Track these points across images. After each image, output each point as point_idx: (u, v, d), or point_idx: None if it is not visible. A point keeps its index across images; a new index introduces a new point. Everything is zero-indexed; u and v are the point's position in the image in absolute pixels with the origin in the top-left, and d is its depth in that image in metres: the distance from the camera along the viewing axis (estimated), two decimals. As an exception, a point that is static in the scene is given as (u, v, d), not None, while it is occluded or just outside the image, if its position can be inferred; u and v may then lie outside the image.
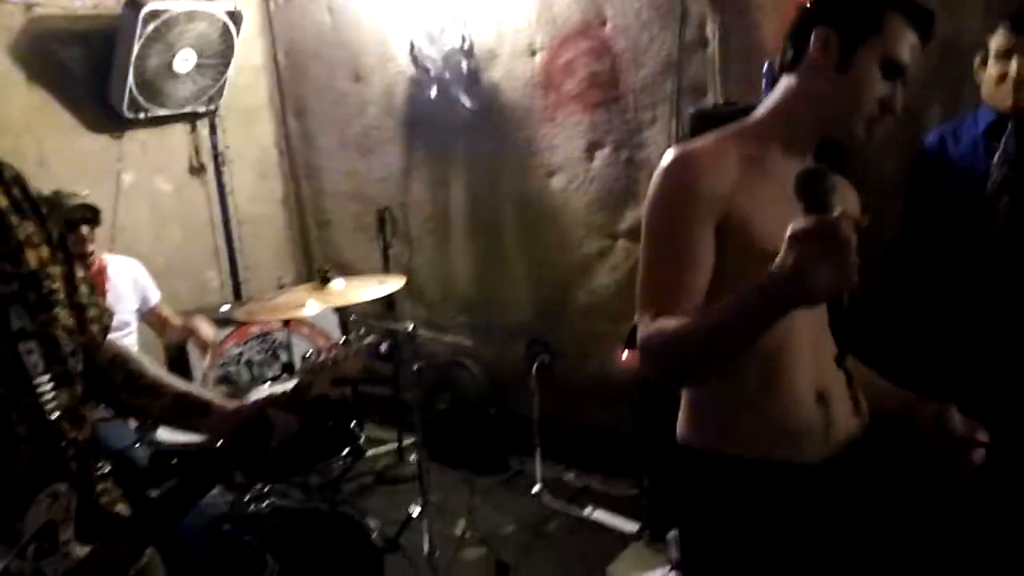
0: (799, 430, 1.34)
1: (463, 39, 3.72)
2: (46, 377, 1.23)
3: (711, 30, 3.11)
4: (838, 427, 1.37)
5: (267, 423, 1.36)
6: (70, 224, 3.10)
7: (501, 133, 3.77)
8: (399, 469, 3.95)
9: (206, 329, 3.30)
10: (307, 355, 1.47)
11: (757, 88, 2.68)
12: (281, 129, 4.68)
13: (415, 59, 3.82)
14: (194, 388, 1.48)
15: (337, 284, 2.64)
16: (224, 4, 3.90)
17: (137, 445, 2.67)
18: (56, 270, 1.30)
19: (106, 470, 1.36)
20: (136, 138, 4.09)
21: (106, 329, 1.43)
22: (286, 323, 3.46)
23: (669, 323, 1.22)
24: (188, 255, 4.36)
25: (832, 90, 1.31)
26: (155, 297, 3.46)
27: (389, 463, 4.02)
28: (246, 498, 2.50)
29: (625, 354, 2.81)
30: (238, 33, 4.00)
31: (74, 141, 3.87)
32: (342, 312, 3.95)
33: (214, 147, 4.35)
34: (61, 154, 3.78)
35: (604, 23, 3.40)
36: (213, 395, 1.45)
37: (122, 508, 1.37)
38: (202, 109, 4.20)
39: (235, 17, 3.96)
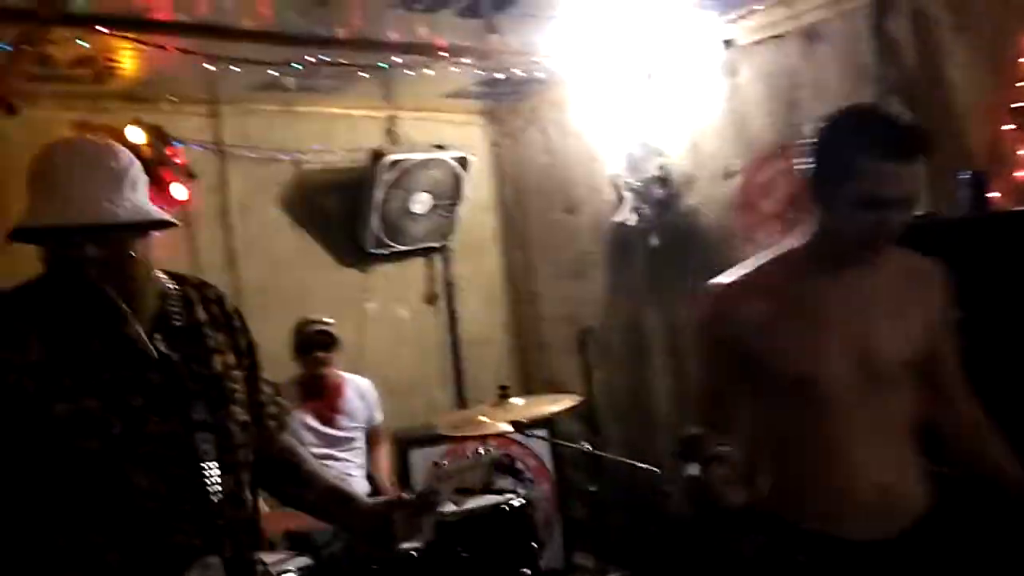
0: (852, 514, 1.48)
1: (660, 167, 3.83)
2: (215, 464, 1.45)
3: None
4: (895, 513, 1.51)
5: (390, 522, 1.52)
6: (308, 347, 3.59)
7: (701, 255, 3.75)
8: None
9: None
10: (437, 463, 1.61)
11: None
12: (505, 259, 5.05)
13: (617, 189, 3.99)
14: (343, 484, 1.66)
15: (516, 401, 2.75)
16: (454, 152, 4.40)
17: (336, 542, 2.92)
18: (239, 374, 1.55)
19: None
20: (380, 271, 4.63)
21: (283, 426, 1.66)
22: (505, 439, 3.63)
23: None
24: (421, 375, 4.75)
25: (829, 223, 1.48)
26: (379, 417, 3.82)
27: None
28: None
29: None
30: (467, 175, 4.46)
31: (329, 275, 4.48)
32: (552, 433, 4.04)
33: (446, 278, 4.80)
34: (318, 286, 4.38)
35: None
36: (356, 493, 1.63)
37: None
38: (436, 244, 4.68)
39: (464, 163, 4.43)
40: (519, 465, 4.15)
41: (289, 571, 2.59)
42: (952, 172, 2.53)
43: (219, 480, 1.44)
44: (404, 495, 1.64)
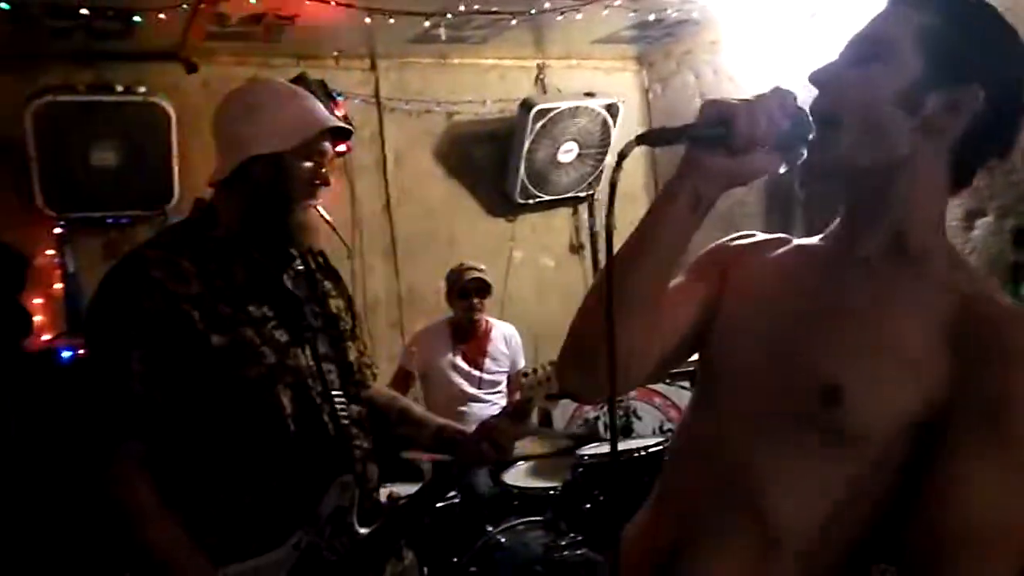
0: None
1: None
2: (341, 393, 1.57)
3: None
4: None
5: (495, 432, 1.62)
6: (464, 292, 3.71)
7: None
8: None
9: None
10: (526, 372, 1.68)
11: None
12: (655, 209, 4.95)
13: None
14: (449, 423, 1.76)
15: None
16: (603, 99, 4.34)
17: (482, 480, 3.05)
18: (347, 318, 1.69)
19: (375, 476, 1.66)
20: (526, 221, 4.69)
21: (374, 375, 1.77)
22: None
23: None
24: (565, 323, 4.72)
25: None
26: (521, 363, 3.90)
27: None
28: (562, 542, 2.67)
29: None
30: (615, 124, 4.40)
31: (477, 223, 4.59)
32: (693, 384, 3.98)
33: (591, 228, 4.78)
34: (467, 234, 4.51)
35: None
36: (461, 427, 1.73)
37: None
38: (582, 194, 4.67)
39: (612, 110, 4.37)
40: (661, 416, 4.13)
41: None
42: None
43: (346, 407, 1.56)
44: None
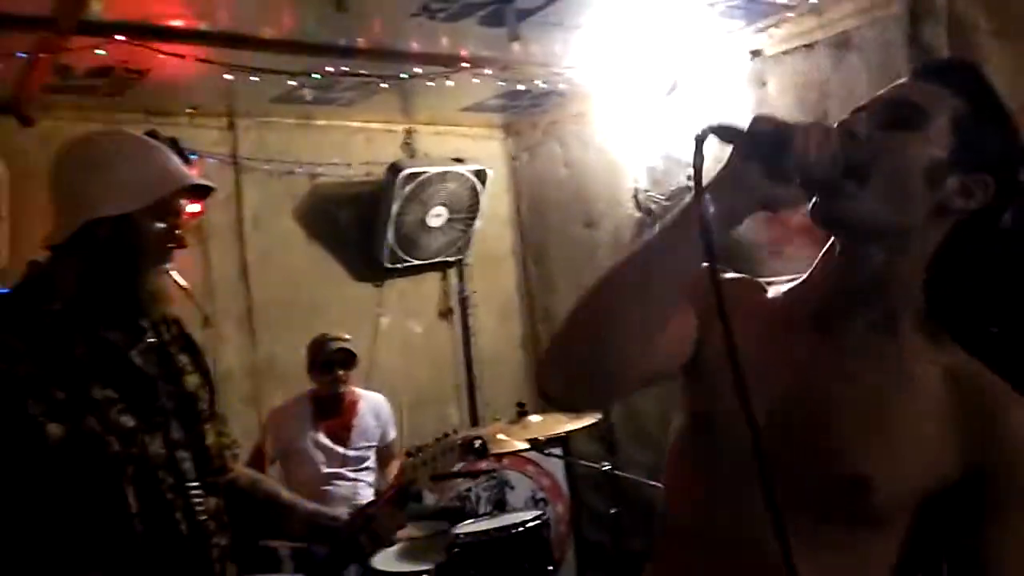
0: None
1: (688, 178, 3.75)
2: (197, 484, 1.39)
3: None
4: None
5: (372, 520, 1.53)
6: (328, 364, 3.51)
7: (727, 269, 3.67)
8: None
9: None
10: (410, 453, 1.58)
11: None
12: (522, 275, 4.97)
13: (638, 202, 3.92)
14: (320, 508, 1.63)
15: (534, 419, 2.67)
16: (472, 165, 4.34)
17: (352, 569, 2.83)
18: (204, 396, 1.52)
19: None
20: (394, 286, 4.57)
21: (236, 456, 1.63)
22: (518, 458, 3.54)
23: None
24: (433, 391, 4.67)
25: None
26: (392, 435, 3.73)
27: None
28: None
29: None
30: (484, 189, 4.40)
31: (342, 289, 4.42)
32: (566, 452, 3.96)
33: (461, 292, 4.73)
34: (331, 301, 4.32)
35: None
36: (336, 514, 1.60)
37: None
38: (452, 259, 4.62)
39: (481, 176, 4.38)
40: (533, 485, 4.06)
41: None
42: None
43: (203, 501, 1.39)
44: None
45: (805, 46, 3.33)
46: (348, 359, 3.54)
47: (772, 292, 1.13)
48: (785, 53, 3.41)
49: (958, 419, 0.95)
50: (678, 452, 1.12)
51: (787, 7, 3.16)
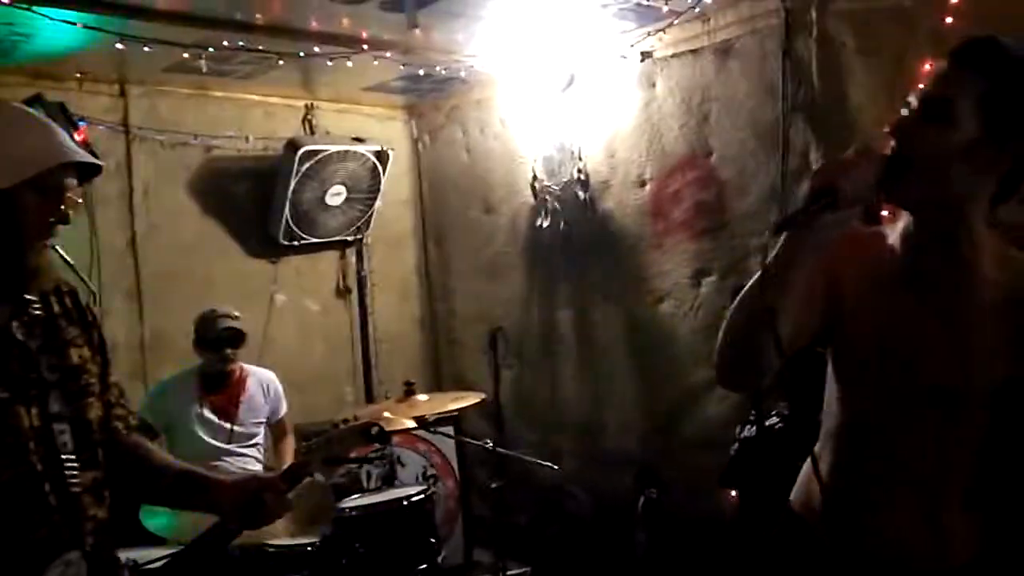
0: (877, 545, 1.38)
1: (579, 171, 3.90)
2: (73, 457, 1.41)
3: (814, 158, 3.09)
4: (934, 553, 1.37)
5: (261, 500, 1.53)
6: (216, 343, 3.47)
7: (612, 259, 3.85)
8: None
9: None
10: (307, 437, 1.62)
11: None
12: (422, 255, 5.03)
13: (535, 191, 4.04)
14: (197, 468, 1.63)
15: (421, 398, 2.76)
16: (373, 145, 4.36)
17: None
18: (94, 369, 1.51)
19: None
20: (290, 263, 4.55)
21: (129, 428, 1.61)
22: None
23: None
24: (329, 370, 4.69)
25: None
26: (283, 410, 3.74)
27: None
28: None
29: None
30: (385, 170, 4.43)
31: (236, 264, 4.37)
32: (457, 431, 4.06)
33: (359, 272, 4.75)
34: (224, 275, 4.27)
35: (710, 154, 3.46)
36: (212, 473, 1.60)
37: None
38: (350, 237, 4.63)
39: (382, 156, 4.39)
40: (424, 462, 4.16)
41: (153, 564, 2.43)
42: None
43: (78, 474, 1.41)
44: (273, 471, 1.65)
45: (692, 51, 3.52)
46: (237, 337, 3.50)
47: (891, 238, 1.39)
48: (673, 56, 3.59)
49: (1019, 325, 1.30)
50: (844, 380, 1.42)
51: (675, 13, 3.32)
